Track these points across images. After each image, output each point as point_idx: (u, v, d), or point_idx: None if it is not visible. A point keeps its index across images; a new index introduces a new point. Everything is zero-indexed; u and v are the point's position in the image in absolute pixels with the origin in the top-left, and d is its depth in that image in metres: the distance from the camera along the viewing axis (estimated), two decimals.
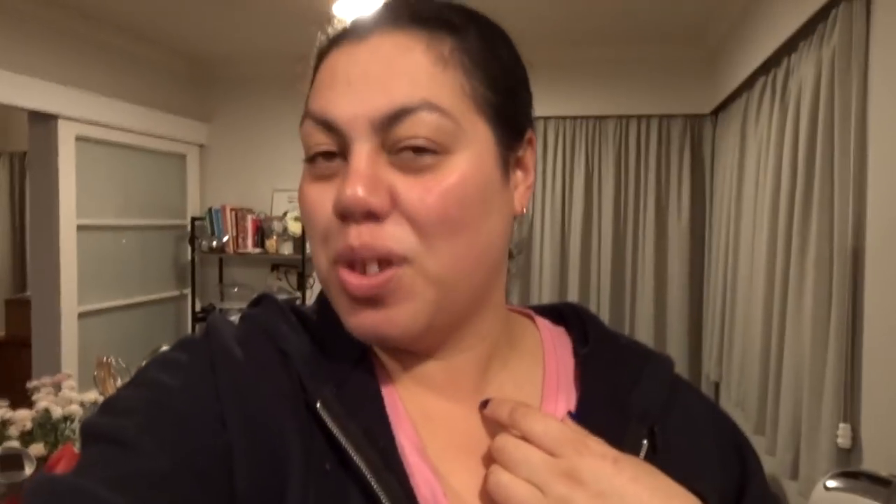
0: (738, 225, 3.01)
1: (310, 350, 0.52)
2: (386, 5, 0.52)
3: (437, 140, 0.47)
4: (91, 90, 3.70)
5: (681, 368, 3.73)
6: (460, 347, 0.55)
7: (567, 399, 0.57)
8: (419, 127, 0.47)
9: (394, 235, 0.47)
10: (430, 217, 0.47)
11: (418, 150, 0.47)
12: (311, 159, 0.51)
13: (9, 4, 3.22)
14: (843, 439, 1.83)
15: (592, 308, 3.95)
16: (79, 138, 3.67)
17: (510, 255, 0.59)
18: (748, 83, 2.96)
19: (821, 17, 2.07)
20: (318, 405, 0.48)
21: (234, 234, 4.38)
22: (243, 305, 0.59)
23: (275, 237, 4.30)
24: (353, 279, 0.48)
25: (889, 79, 1.74)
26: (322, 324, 0.55)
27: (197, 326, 4.48)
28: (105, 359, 2.00)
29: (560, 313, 0.66)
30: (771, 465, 2.35)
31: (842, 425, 1.84)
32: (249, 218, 4.38)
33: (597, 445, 0.48)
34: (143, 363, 0.54)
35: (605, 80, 3.97)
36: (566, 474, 0.46)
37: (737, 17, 3.12)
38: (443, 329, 0.53)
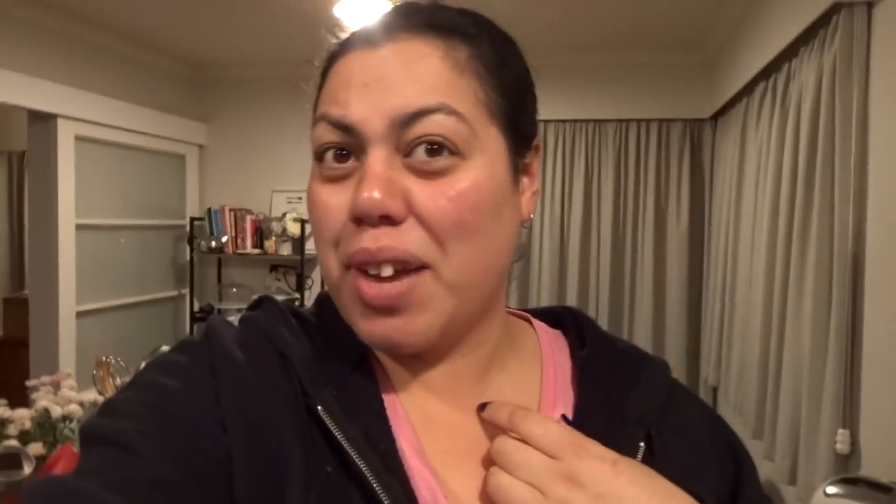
0: (738, 229, 3.02)
1: (310, 353, 0.52)
2: (399, 11, 0.52)
3: (453, 141, 0.47)
4: (91, 90, 3.71)
5: (679, 373, 3.74)
6: (462, 352, 0.55)
7: (565, 402, 0.57)
8: (435, 127, 0.47)
9: (412, 239, 0.47)
10: (444, 222, 0.47)
11: (432, 149, 0.47)
12: (320, 158, 0.50)
13: (9, 9, 3.22)
14: (842, 445, 1.83)
15: (591, 311, 3.96)
16: (78, 138, 3.67)
17: None
18: (748, 88, 2.97)
19: (822, 22, 2.07)
20: (319, 408, 0.48)
21: (233, 234, 4.37)
22: (242, 306, 0.59)
23: (274, 238, 4.30)
24: (370, 289, 0.48)
25: (890, 85, 1.74)
26: (322, 327, 0.55)
27: (195, 326, 4.47)
28: (104, 358, 1.99)
29: (557, 316, 0.66)
30: (769, 470, 2.35)
31: (841, 431, 1.84)
32: (248, 218, 4.38)
33: (595, 448, 0.48)
34: (143, 363, 0.54)
35: (605, 85, 3.98)
36: (566, 476, 0.46)
37: (736, 22, 3.13)
38: (451, 335, 0.53)
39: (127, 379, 1.69)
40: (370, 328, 0.49)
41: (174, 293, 4.55)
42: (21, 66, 3.28)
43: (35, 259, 3.71)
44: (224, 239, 4.36)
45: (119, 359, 2.02)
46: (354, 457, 0.46)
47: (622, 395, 0.56)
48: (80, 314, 3.74)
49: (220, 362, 0.49)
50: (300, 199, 4.42)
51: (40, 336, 3.63)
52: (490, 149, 0.50)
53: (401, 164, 0.48)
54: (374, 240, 0.47)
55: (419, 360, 0.54)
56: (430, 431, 0.52)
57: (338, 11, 3.00)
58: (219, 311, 4.30)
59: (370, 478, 0.45)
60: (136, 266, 4.22)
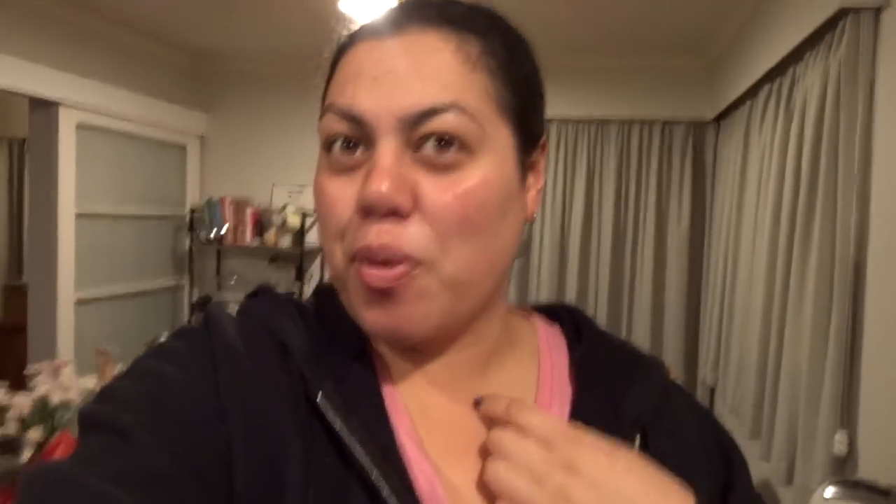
0: (739, 232, 3.02)
1: (310, 345, 0.52)
2: (411, 4, 0.52)
3: (464, 138, 0.47)
4: (93, 78, 3.70)
5: (676, 373, 3.74)
6: (461, 346, 0.55)
7: (561, 400, 0.57)
8: (446, 125, 0.47)
9: (413, 237, 0.47)
10: (450, 219, 0.47)
11: (442, 144, 0.47)
12: (329, 148, 0.50)
13: None
14: (840, 447, 1.83)
15: (590, 310, 3.96)
16: (79, 126, 3.66)
17: None
18: (752, 91, 2.97)
19: (828, 27, 2.07)
20: (319, 400, 0.48)
21: (233, 225, 4.37)
22: (240, 297, 0.59)
23: (274, 230, 4.30)
24: (371, 272, 0.48)
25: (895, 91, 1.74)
26: (321, 318, 0.55)
27: (194, 316, 4.47)
28: (105, 347, 2.00)
29: (554, 312, 0.66)
30: (766, 471, 2.36)
31: (839, 433, 1.85)
32: (248, 210, 4.37)
33: (591, 438, 0.49)
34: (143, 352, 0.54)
35: (608, 85, 3.98)
36: (562, 465, 0.46)
37: (742, 24, 3.13)
38: (451, 330, 0.53)
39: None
40: (373, 317, 0.49)
41: (173, 283, 4.55)
42: (24, 53, 3.27)
43: (34, 247, 3.70)
44: (224, 230, 4.36)
45: (117, 348, 2.02)
46: (353, 448, 0.46)
47: (619, 395, 0.57)
48: (78, 302, 3.73)
49: (219, 353, 0.48)
50: (301, 191, 4.42)
51: (39, 323, 3.62)
52: (499, 146, 0.50)
53: (410, 158, 0.48)
54: (377, 236, 0.47)
55: (419, 352, 0.54)
56: (428, 424, 0.53)
57: (343, 6, 2.99)
58: (218, 302, 4.30)
59: (369, 469, 0.46)
60: (135, 255, 4.21)
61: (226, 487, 0.44)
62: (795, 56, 2.40)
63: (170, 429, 0.44)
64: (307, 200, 4.32)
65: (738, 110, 3.27)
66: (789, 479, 2.14)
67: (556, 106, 3.87)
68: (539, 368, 0.59)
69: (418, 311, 0.49)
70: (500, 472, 0.48)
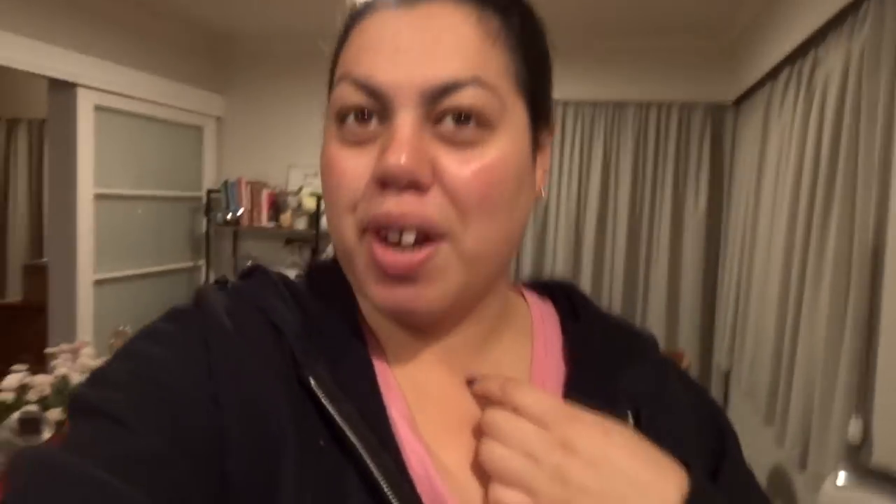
0: (757, 217, 2.99)
1: (302, 325, 0.51)
2: None
3: (484, 113, 0.47)
4: (111, 60, 3.71)
5: (691, 357, 3.73)
6: (464, 325, 0.55)
7: (556, 377, 0.57)
8: (467, 99, 0.47)
9: (436, 208, 0.47)
10: (470, 194, 0.47)
11: (461, 120, 0.47)
12: (341, 119, 0.49)
13: None
14: (854, 434, 1.82)
15: (605, 295, 3.95)
16: (98, 108, 3.69)
17: None
18: (772, 73, 2.92)
19: (851, 9, 2.03)
20: (312, 381, 0.47)
21: (249, 207, 4.39)
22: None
23: (289, 212, 4.31)
24: (388, 256, 0.47)
25: None
26: (314, 298, 0.54)
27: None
28: (122, 328, 2.02)
29: (547, 288, 0.66)
30: (779, 456, 2.36)
31: (853, 420, 1.84)
32: (265, 192, 4.39)
33: (587, 416, 0.48)
34: None
35: (625, 67, 3.93)
36: (559, 444, 0.46)
37: (762, 5, 3.08)
38: (459, 307, 0.53)
39: None
40: (384, 295, 0.49)
41: (190, 264, 4.59)
42: (43, 35, 3.29)
43: (54, 227, 3.74)
44: (240, 212, 4.38)
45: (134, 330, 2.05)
46: (347, 430, 0.46)
47: (613, 372, 0.57)
48: (97, 282, 3.78)
49: (212, 334, 0.48)
50: (317, 174, 4.41)
51: (59, 303, 3.68)
52: (516, 122, 0.50)
53: (430, 132, 0.47)
54: (398, 205, 0.46)
55: (420, 330, 0.54)
56: (422, 404, 0.52)
57: None
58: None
59: (362, 451, 0.45)
60: (152, 236, 4.25)
61: (218, 470, 0.43)
62: (817, 38, 2.36)
63: (162, 412, 0.43)
64: (320, 172, 4.32)
65: (758, 93, 3.22)
66: (803, 465, 2.13)
67: (573, 88, 3.85)
68: (532, 346, 0.59)
69: (436, 291, 0.49)
70: (496, 453, 0.47)
